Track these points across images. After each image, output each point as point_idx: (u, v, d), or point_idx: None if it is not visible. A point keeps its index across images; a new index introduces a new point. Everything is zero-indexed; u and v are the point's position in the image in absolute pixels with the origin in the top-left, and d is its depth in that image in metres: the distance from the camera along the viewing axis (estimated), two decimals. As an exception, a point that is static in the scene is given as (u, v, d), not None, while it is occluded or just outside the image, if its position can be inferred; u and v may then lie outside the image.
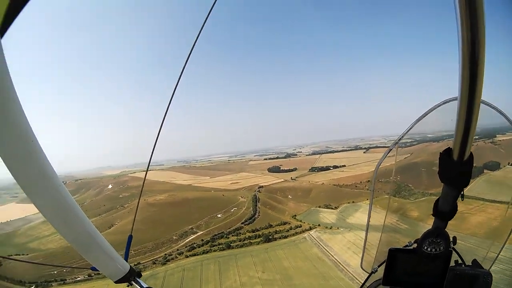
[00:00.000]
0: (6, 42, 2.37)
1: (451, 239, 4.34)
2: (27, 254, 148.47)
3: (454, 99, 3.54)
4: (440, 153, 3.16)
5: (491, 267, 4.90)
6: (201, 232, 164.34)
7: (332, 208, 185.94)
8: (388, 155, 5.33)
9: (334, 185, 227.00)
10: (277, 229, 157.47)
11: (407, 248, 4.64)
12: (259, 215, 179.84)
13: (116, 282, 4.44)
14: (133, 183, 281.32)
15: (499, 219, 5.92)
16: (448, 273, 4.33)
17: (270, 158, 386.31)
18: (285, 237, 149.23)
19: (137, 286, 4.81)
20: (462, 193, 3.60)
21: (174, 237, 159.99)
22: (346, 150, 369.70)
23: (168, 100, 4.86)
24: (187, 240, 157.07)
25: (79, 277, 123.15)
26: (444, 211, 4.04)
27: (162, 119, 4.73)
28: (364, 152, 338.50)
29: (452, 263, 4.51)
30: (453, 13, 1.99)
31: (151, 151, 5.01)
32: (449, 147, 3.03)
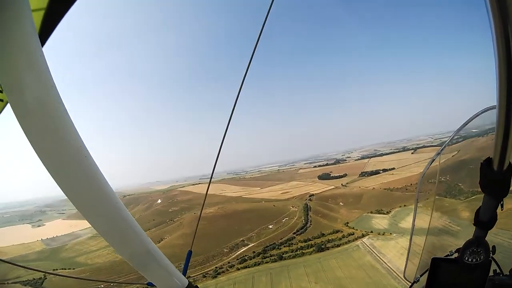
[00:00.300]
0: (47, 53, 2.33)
1: (490, 248, 4.43)
2: (73, 269, 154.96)
3: (494, 107, 3.35)
4: (481, 163, 3.23)
5: None
6: (252, 244, 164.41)
7: (384, 213, 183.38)
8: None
9: (385, 189, 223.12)
10: (330, 238, 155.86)
11: (449, 257, 4.77)
12: (310, 224, 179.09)
13: None
14: (182, 197, 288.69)
15: None
16: (487, 283, 4.50)
17: (320, 165, 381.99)
18: (338, 245, 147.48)
19: None
20: (502, 203, 3.74)
21: (225, 250, 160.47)
22: (394, 152, 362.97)
23: (227, 113, 4.52)
24: (238, 253, 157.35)
25: None
26: (485, 221, 4.13)
27: (224, 132, 4.71)
28: (412, 153, 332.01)
29: (490, 273, 4.67)
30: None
31: (214, 164, 5.02)
32: (489, 157, 3.08)
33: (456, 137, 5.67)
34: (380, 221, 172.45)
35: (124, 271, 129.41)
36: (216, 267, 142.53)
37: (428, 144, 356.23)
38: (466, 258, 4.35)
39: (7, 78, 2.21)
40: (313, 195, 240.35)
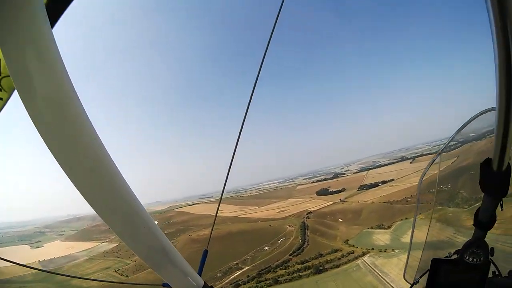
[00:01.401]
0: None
1: (489, 249, 4.37)
2: None
3: (493, 109, 3.42)
4: (481, 163, 3.23)
5: None
6: (247, 268, 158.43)
7: (384, 228, 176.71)
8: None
9: (385, 202, 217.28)
10: (328, 258, 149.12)
11: (449, 259, 4.70)
12: (308, 244, 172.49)
13: None
14: (178, 219, 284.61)
15: None
16: (487, 284, 4.37)
17: (318, 181, 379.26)
18: (337, 266, 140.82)
19: None
20: (501, 203, 3.68)
21: (218, 274, 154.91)
22: (392, 163, 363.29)
23: (236, 134, 4.56)
24: (232, 277, 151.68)
25: None
26: (484, 221, 4.09)
27: (234, 149, 4.49)
28: (410, 163, 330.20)
29: (489, 274, 4.55)
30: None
31: (224, 183, 4.82)
32: (488, 158, 3.10)
33: (455, 139, 5.48)
34: (381, 237, 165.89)
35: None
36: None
37: (426, 152, 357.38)
38: (467, 259, 4.41)
39: (16, 66, 2.18)
40: (310, 212, 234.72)
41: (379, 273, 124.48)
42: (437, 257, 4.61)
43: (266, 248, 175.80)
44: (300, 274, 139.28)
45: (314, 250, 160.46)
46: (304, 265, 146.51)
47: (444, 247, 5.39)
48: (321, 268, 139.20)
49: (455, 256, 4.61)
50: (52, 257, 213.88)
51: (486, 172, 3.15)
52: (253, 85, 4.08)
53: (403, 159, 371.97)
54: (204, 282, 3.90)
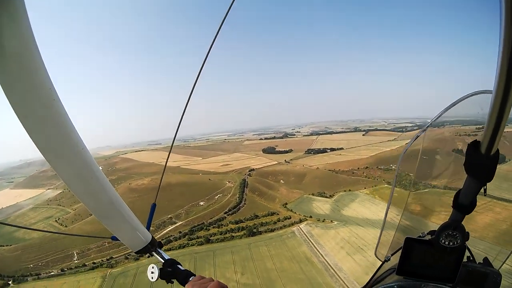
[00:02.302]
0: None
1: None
2: (10, 245, 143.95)
3: (485, 91, 3.72)
4: (468, 144, 3.07)
5: (501, 267, 4.72)
6: (180, 223, 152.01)
7: (326, 197, 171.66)
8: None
9: (330, 170, 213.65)
10: (264, 221, 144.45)
11: (423, 239, 4.35)
12: (245, 204, 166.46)
13: (136, 252, 4.27)
14: (121, 165, 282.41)
15: None
16: (461, 268, 4.12)
17: (266, 138, 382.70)
18: (272, 230, 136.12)
19: (158, 257, 4.43)
20: (485, 187, 3.43)
21: (152, 228, 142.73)
22: (345, 132, 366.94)
23: (192, 80, 4.31)
24: (164, 232, 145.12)
25: (52, 272, 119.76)
26: (464, 204, 3.86)
27: (187, 99, 4.39)
28: (363, 135, 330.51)
29: (464, 259, 4.35)
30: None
31: (175, 131, 4.79)
32: (476, 140, 2.95)
33: (441, 118, 5.04)
34: (322, 205, 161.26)
35: (57, 249, 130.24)
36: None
37: (381, 128, 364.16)
38: (442, 241, 4.05)
39: None
40: (253, 170, 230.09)
41: (314, 244, 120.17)
42: (411, 236, 4.19)
43: (202, 203, 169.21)
44: (233, 234, 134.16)
45: (250, 211, 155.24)
46: (238, 225, 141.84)
47: (417, 227, 5.48)
48: (255, 230, 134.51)
49: (429, 237, 4.26)
50: (1, 207, 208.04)
51: (473, 154, 3.02)
52: (214, 36, 3.96)
53: (356, 130, 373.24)
54: (152, 236, 4.29)
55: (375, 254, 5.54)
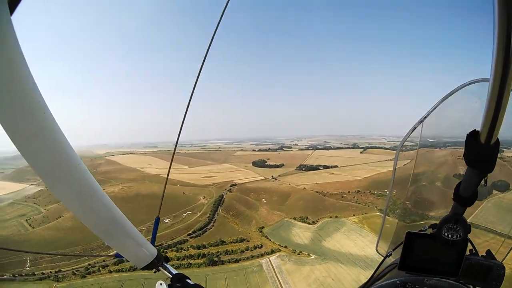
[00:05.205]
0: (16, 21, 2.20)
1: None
2: None
3: (482, 80, 3.90)
4: (467, 134, 3.12)
5: (504, 259, 4.68)
6: None
7: (309, 223, 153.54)
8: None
9: (317, 192, 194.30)
10: (230, 248, 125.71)
11: (424, 233, 4.42)
12: (213, 225, 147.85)
13: (142, 268, 4.25)
14: (104, 168, 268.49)
15: None
16: (464, 261, 4.22)
17: (260, 150, 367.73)
18: (237, 261, 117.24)
19: (166, 272, 4.47)
20: (485, 178, 3.55)
21: (105, 244, 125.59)
22: (342, 148, 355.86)
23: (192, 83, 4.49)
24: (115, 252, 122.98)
25: (5, 276, 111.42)
26: (465, 196, 3.94)
27: (188, 102, 4.50)
28: (360, 152, 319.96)
29: (467, 252, 4.39)
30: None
31: (177, 135, 4.81)
32: (475, 130, 3.01)
33: (438, 109, 5.10)
34: (302, 233, 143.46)
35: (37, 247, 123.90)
36: (89, 264, 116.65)
37: (380, 145, 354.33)
38: (444, 234, 4.17)
39: None
40: (235, 185, 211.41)
41: (281, 283, 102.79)
42: (412, 231, 4.31)
43: (167, 220, 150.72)
44: (192, 262, 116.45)
45: (218, 234, 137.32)
46: (199, 251, 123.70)
47: (418, 221, 5.65)
48: (216, 259, 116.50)
49: (429, 231, 4.34)
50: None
51: (472, 144, 3.08)
52: (211, 37, 4.17)
53: (354, 146, 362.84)
54: (158, 251, 4.26)
55: (376, 250, 5.67)
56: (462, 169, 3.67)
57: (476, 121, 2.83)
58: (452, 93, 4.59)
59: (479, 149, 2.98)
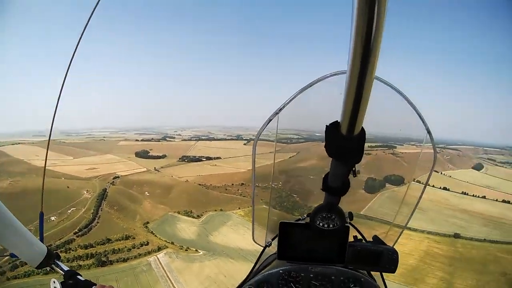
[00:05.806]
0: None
1: (346, 214, 4.42)
2: None
3: (341, 72, 3.84)
4: (327, 126, 3.06)
5: (395, 243, 5.07)
6: None
7: (193, 217, 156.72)
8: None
9: (200, 184, 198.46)
10: (117, 246, 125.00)
11: (299, 222, 4.62)
12: (98, 222, 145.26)
13: (37, 267, 4.25)
14: None
15: (401, 196, 5.87)
16: (348, 248, 4.46)
17: (144, 140, 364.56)
18: (125, 260, 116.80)
19: (59, 270, 4.43)
20: (354, 169, 3.62)
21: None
22: (226, 139, 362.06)
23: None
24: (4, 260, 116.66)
25: None
26: (334, 187, 4.02)
27: (60, 90, 4.76)
28: (244, 144, 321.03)
29: (351, 239, 4.68)
30: None
31: (50, 127, 5.03)
32: (336, 121, 2.93)
33: (295, 101, 5.00)
34: (187, 228, 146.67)
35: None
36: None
37: (264, 138, 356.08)
38: (318, 223, 4.39)
39: None
40: (118, 177, 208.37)
41: (173, 283, 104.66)
42: (285, 221, 4.54)
43: (53, 218, 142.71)
44: (81, 263, 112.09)
45: (103, 232, 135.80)
46: (87, 250, 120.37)
47: (296, 210, 9.44)
48: (104, 259, 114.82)
49: (307, 220, 4.43)
50: None
51: (334, 135, 2.97)
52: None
53: (238, 138, 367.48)
54: (48, 248, 4.19)
55: (253, 240, 5.57)
56: (329, 159, 3.65)
57: (338, 113, 2.85)
58: (311, 85, 4.66)
59: (341, 141, 2.98)
